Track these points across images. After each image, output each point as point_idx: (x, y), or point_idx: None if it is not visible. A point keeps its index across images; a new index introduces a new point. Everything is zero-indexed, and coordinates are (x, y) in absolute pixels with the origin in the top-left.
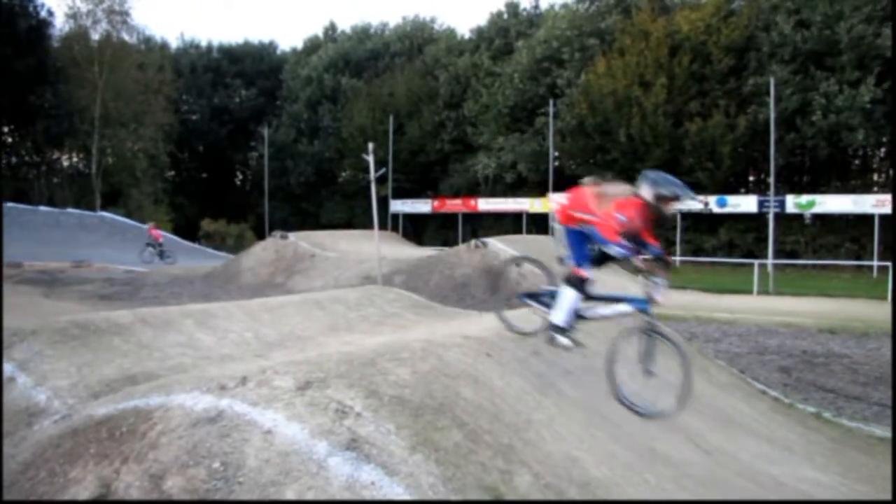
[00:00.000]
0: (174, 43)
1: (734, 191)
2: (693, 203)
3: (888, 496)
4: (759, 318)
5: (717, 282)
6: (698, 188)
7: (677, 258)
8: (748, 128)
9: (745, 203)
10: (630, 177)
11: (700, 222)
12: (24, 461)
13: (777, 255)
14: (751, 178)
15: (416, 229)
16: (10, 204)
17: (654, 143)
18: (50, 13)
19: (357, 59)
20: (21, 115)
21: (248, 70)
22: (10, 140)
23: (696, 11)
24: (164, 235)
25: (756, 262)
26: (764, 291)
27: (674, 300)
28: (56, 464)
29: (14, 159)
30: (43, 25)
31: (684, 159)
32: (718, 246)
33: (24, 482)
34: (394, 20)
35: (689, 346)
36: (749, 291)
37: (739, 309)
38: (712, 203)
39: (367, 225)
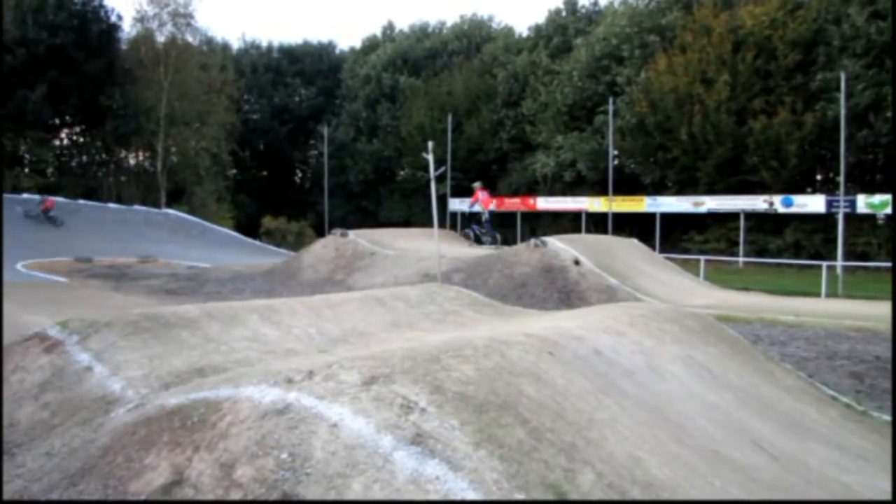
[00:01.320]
0: (236, 44)
1: (801, 190)
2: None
3: None
4: (828, 322)
5: (782, 284)
6: (763, 188)
7: (740, 259)
8: (816, 125)
9: (813, 203)
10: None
11: (764, 223)
12: (102, 446)
13: (847, 256)
14: (818, 177)
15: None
16: (80, 201)
17: (716, 141)
18: (119, 17)
19: (415, 57)
20: (91, 116)
21: (307, 69)
22: (81, 140)
23: (760, 6)
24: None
25: (824, 263)
26: (832, 294)
27: (737, 301)
28: (132, 450)
29: (85, 158)
30: (112, 29)
31: (748, 158)
32: (784, 247)
33: (104, 466)
34: (451, 19)
35: (754, 348)
36: (816, 294)
37: (806, 312)
38: (777, 203)
39: (426, 223)
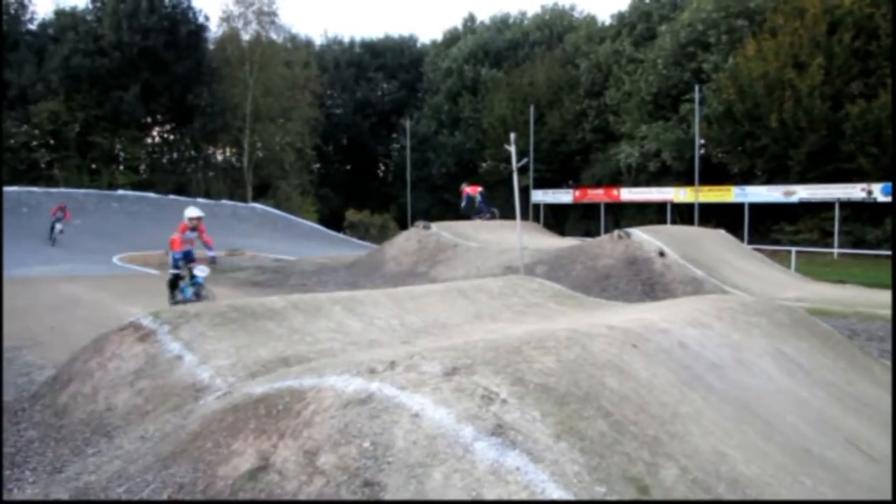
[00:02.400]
0: (318, 40)
1: None
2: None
3: None
4: None
5: (881, 276)
6: (861, 175)
7: (835, 250)
8: None
9: None
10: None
11: (862, 212)
12: (192, 431)
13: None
14: None
15: (557, 219)
16: (172, 196)
17: (808, 128)
18: (206, 18)
19: (496, 49)
20: (181, 114)
21: (389, 63)
22: (171, 137)
23: None
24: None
25: None
26: None
27: (831, 294)
28: (220, 436)
29: (175, 155)
30: (200, 30)
31: (844, 145)
32: (883, 238)
33: (193, 450)
34: (532, 9)
35: (849, 344)
36: None
37: None
38: (876, 191)
39: (509, 215)
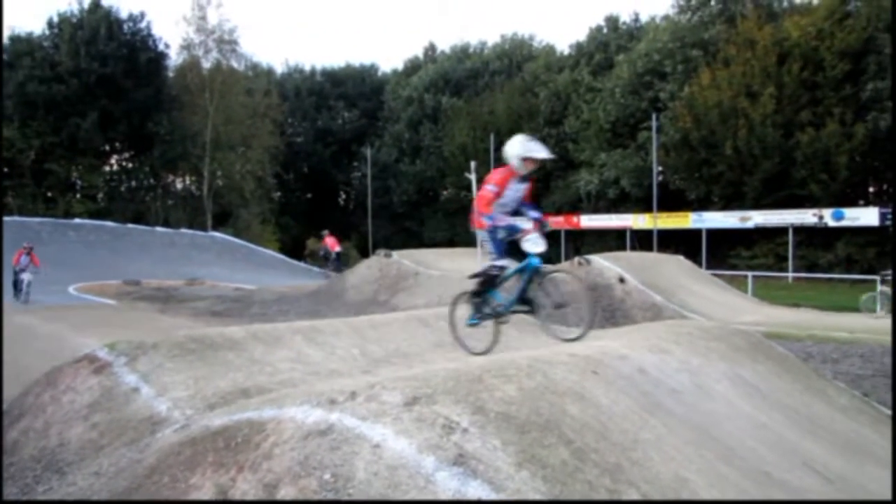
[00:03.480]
0: (279, 68)
1: (852, 203)
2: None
3: None
4: (884, 339)
5: (834, 300)
6: (812, 201)
7: (789, 274)
8: (867, 136)
9: (865, 216)
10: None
11: (814, 237)
12: (149, 466)
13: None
14: (871, 189)
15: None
16: (130, 225)
17: (762, 155)
18: (166, 46)
19: (457, 78)
20: (140, 142)
21: (350, 92)
22: (130, 165)
23: (806, 16)
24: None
25: (878, 277)
26: (889, 310)
27: (787, 318)
28: (178, 470)
29: (133, 183)
30: (160, 57)
31: (796, 171)
32: (835, 262)
33: (150, 485)
34: (492, 38)
35: (804, 366)
36: (871, 310)
37: (860, 328)
38: (827, 217)
39: (470, 243)
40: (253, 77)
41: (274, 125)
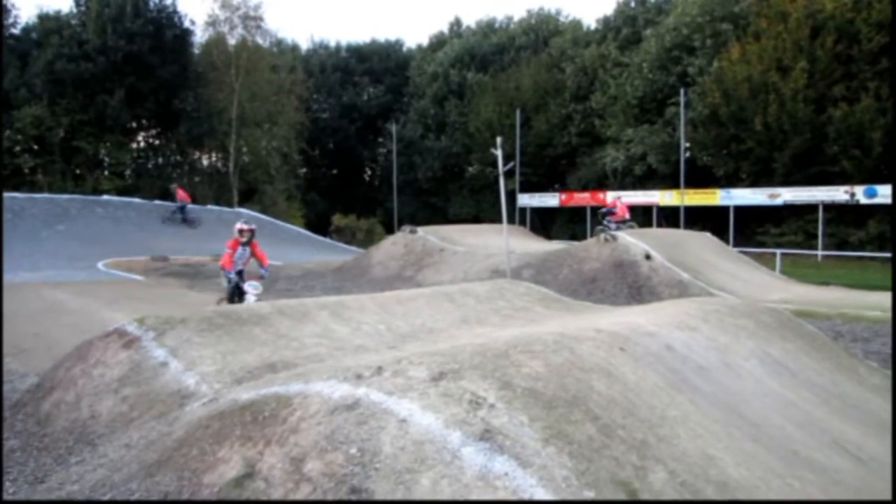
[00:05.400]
0: (305, 44)
1: (886, 180)
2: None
3: None
4: None
5: (865, 278)
6: (844, 178)
7: (819, 252)
8: None
9: None
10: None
11: (845, 214)
12: (178, 439)
13: (892, 248)
14: None
15: (543, 223)
16: (157, 202)
17: (792, 130)
18: (192, 23)
19: (482, 53)
20: (166, 119)
21: (375, 68)
22: (156, 142)
23: None
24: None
25: None
26: None
27: (816, 296)
28: (206, 443)
29: (160, 160)
30: (186, 34)
31: (827, 147)
32: (867, 240)
33: (179, 458)
34: (519, 13)
35: (834, 345)
36: None
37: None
38: (859, 193)
39: (495, 219)
40: (278, 53)
41: (299, 101)
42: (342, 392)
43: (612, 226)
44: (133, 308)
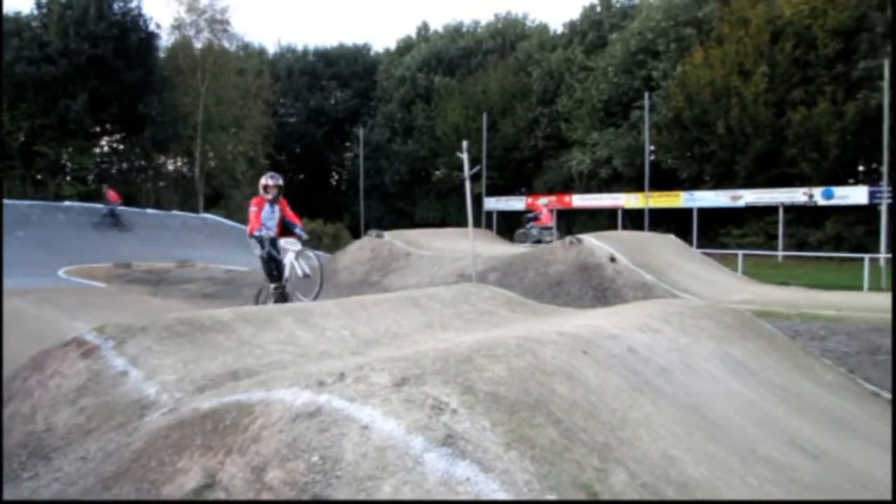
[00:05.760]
0: (272, 48)
1: (842, 182)
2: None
3: None
4: (871, 316)
5: (823, 277)
6: (802, 180)
7: (779, 253)
8: (858, 115)
9: (855, 194)
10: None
11: (804, 215)
12: (136, 450)
13: (890, 248)
14: (861, 168)
15: (510, 226)
16: (121, 207)
17: (754, 133)
18: (157, 26)
19: (450, 57)
20: (131, 123)
21: (343, 72)
22: (121, 147)
23: None
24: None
25: (867, 256)
26: (876, 287)
27: (776, 296)
28: (165, 454)
29: (124, 165)
30: (151, 38)
31: (787, 150)
32: (824, 240)
33: (137, 470)
34: (486, 18)
35: (792, 344)
36: (859, 287)
37: (848, 306)
38: (817, 195)
39: (462, 223)
40: (245, 57)
41: (266, 106)
42: (304, 399)
43: (535, 231)
44: (94, 316)
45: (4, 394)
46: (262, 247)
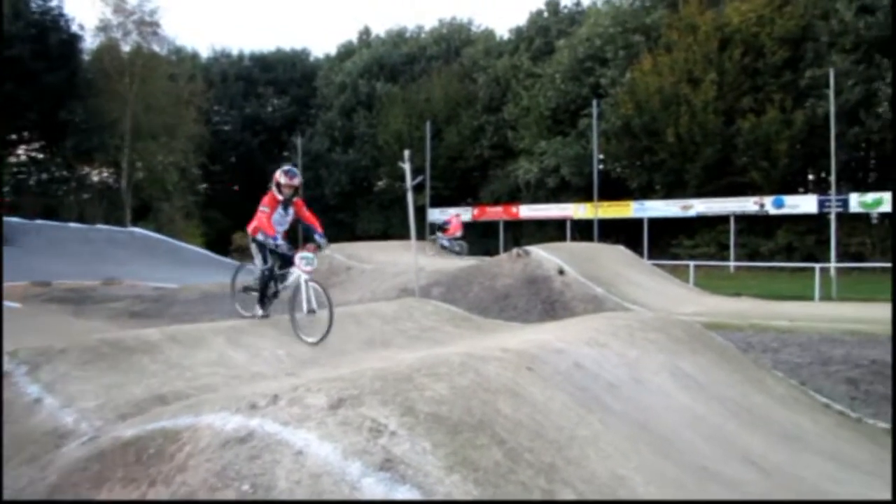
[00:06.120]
0: (205, 52)
1: (792, 190)
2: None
3: None
4: (822, 326)
5: (774, 288)
6: (753, 189)
7: (731, 263)
8: (806, 123)
9: (805, 203)
10: (680, 178)
11: (755, 225)
12: (51, 484)
13: (840, 258)
14: (810, 177)
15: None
16: (39, 221)
17: (704, 142)
18: (81, 27)
19: (392, 63)
20: (51, 131)
21: (280, 78)
22: (39, 156)
23: (747, 2)
24: None
25: (817, 265)
26: (826, 297)
27: (728, 307)
28: (83, 488)
29: (44, 175)
30: (74, 39)
31: (737, 158)
32: (776, 250)
33: None
34: (430, 23)
35: (744, 357)
36: (810, 297)
37: (800, 316)
38: (768, 204)
39: (405, 235)
40: (176, 62)
41: (199, 113)
42: (235, 424)
43: (444, 241)
44: (7, 340)
45: None
46: (266, 261)
